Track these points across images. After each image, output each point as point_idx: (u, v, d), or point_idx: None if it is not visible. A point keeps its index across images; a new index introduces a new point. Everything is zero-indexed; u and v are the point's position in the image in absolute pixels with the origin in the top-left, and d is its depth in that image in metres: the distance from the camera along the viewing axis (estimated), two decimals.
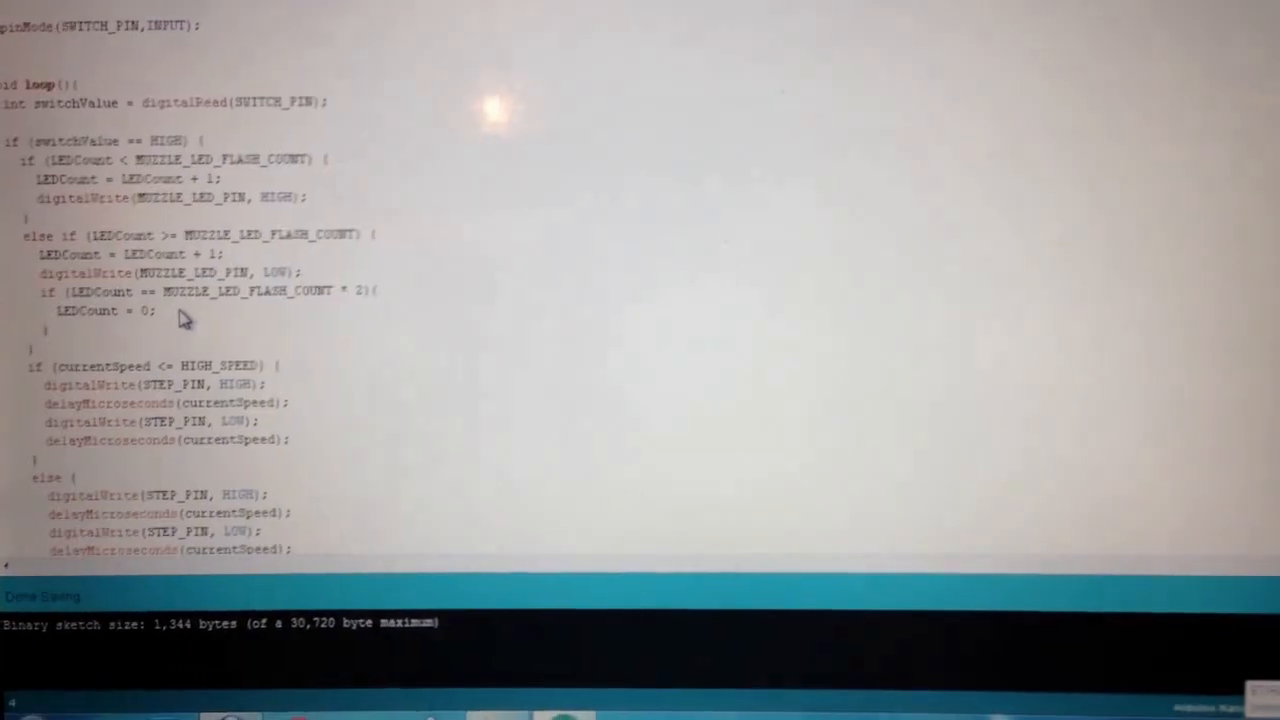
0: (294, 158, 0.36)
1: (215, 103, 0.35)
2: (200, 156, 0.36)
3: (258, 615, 0.37)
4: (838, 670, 0.37)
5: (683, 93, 0.35)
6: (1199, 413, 0.35)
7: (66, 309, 0.36)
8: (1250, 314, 0.35)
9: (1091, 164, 0.35)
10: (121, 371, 0.36)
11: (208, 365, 0.36)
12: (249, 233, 0.36)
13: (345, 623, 0.37)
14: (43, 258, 0.36)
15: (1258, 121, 0.34)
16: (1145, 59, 0.34)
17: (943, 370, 0.35)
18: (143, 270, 0.36)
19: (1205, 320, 0.35)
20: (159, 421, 0.37)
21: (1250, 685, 0.36)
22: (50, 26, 0.35)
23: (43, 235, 0.36)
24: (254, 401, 0.36)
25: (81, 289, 0.36)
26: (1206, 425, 0.35)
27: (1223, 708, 0.36)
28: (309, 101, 0.35)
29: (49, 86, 0.35)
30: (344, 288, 0.36)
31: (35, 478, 0.37)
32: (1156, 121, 0.34)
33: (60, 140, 0.36)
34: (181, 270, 0.36)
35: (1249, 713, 0.37)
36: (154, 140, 0.36)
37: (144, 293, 0.36)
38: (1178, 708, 0.37)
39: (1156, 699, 0.36)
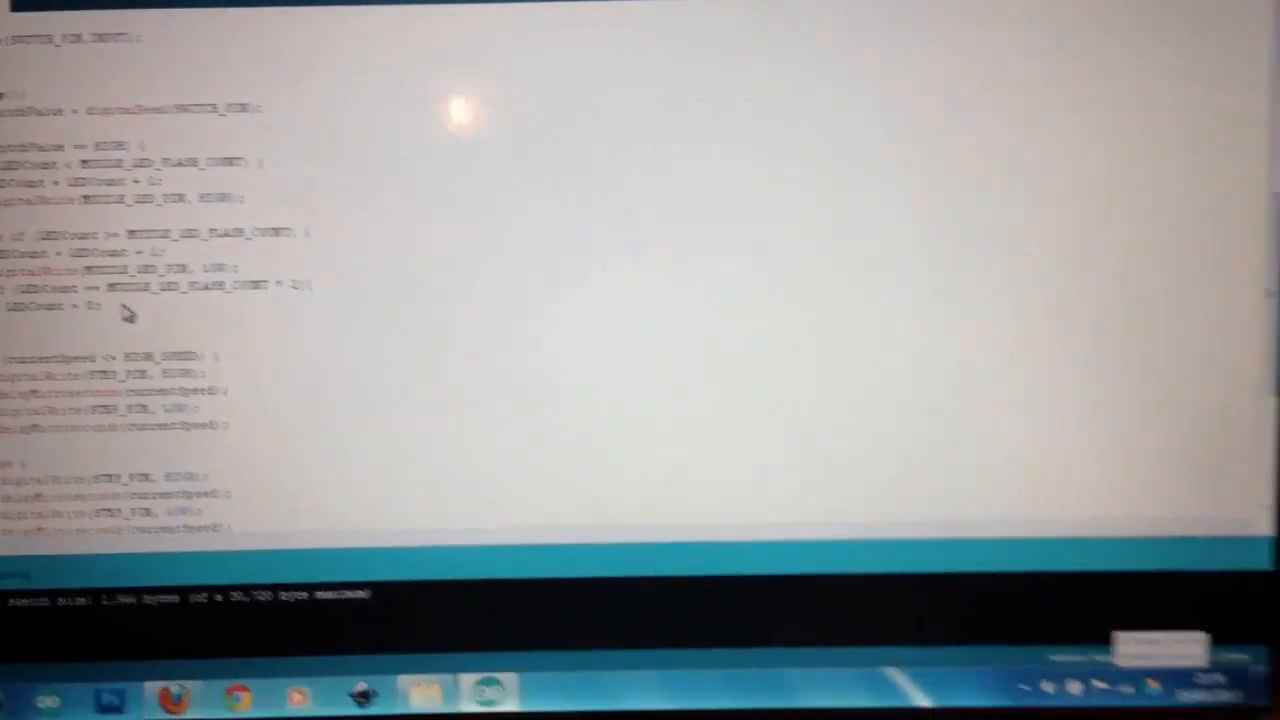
0: (230, 161, 0.38)
1: (156, 110, 0.38)
2: (142, 160, 0.38)
3: (199, 590, 0.40)
4: (742, 630, 0.40)
5: (610, 95, 0.38)
6: (1065, 389, 0.39)
7: (15, 305, 0.39)
8: (1112, 296, 0.39)
9: (984, 159, 0.38)
10: (67, 363, 0.39)
11: (149, 356, 0.39)
12: (188, 231, 0.38)
13: (281, 596, 0.40)
14: None
15: (1134, 114, 0.38)
16: (1038, 52, 0.38)
17: (836, 352, 0.38)
18: (87, 268, 0.38)
19: (1070, 306, 0.38)
20: (103, 410, 0.39)
21: (1117, 636, 0.40)
22: None
23: None
24: (194, 390, 0.39)
25: (30, 286, 0.38)
26: (1071, 402, 0.39)
27: (1094, 657, 0.40)
28: (244, 108, 0.38)
29: None
30: (279, 282, 0.39)
31: None
32: (1035, 116, 0.38)
33: (9, 147, 0.38)
34: (125, 267, 0.38)
35: (1117, 661, 0.40)
36: (98, 146, 0.38)
37: (89, 289, 0.39)
38: (1052, 657, 0.40)
39: (1033, 650, 0.40)
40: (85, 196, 0.38)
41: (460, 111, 0.38)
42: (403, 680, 0.40)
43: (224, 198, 0.38)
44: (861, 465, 0.39)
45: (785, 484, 0.39)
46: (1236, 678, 0.40)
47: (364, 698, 0.40)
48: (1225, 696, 0.40)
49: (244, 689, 0.40)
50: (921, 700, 0.40)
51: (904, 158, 0.38)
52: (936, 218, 0.38)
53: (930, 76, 0.37)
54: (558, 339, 0.38)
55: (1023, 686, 0.40)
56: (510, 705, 0.40)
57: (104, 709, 0.40)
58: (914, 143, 0.37)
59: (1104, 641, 0.40)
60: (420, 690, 0.40)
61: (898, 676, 0.40)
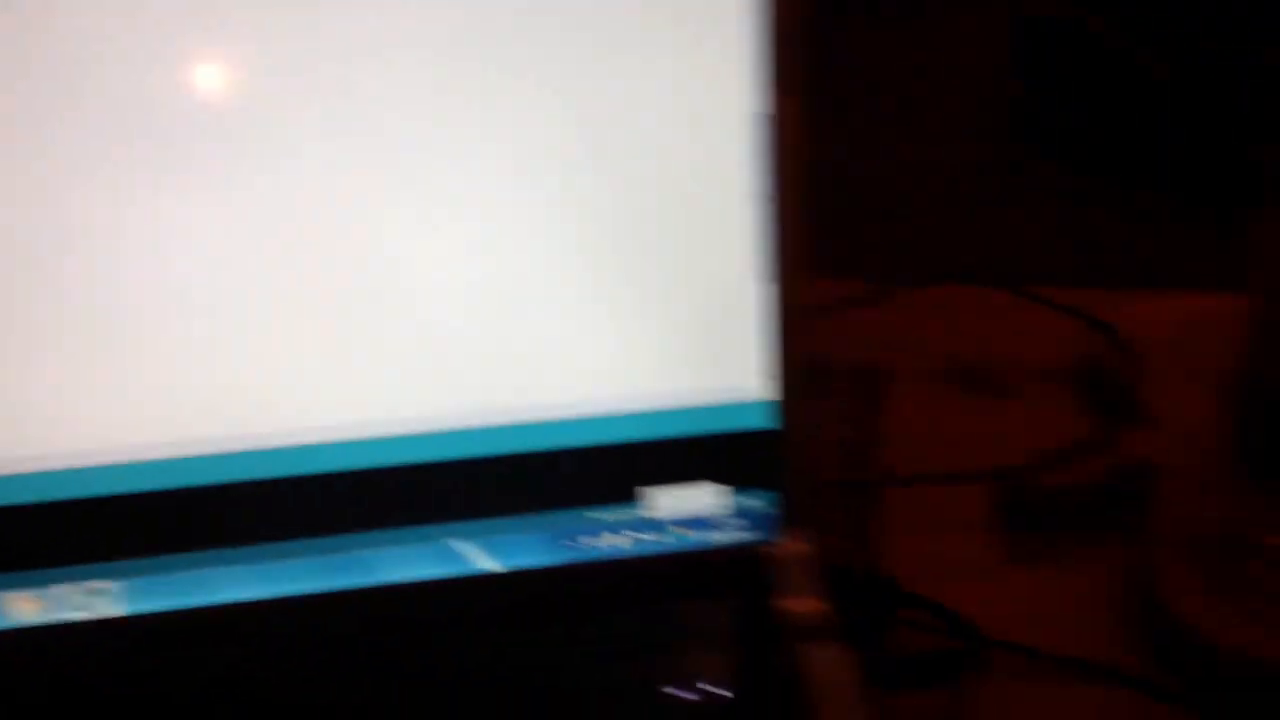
0: None
1: None
2: None
3: None
4: (325, 521, 0.45)
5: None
6: (587, 288, 0.45)
7: None
8: (626, 201, 0.46)
9: (492, 73, 0.44)
10: None
11: None
12: None
13: None
14: None
15: (632, 41, 0.44)
16: None
17: (365, 254, 0.44)
18: None
19: (592, 216, 0.45)
20: None
21: (651, 492, 0.47)
22: None
23: None
24: None
25: None
26: (592, 297, 0.46)
27: (631, 513, 0.47)
28: None
29: None
30: None
31: None
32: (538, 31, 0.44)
33: None
34: None
35: (652, 514, 0.47)
36: None
37: None
38: (595, 516, 0.47)
39: (573, 512, 0.47)
40: None
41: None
42: (6, 596, 0.44)
43: None
44: (414, 366, 0.45)
45: (346, 385, 0.45)
46: (752, 519, 0.48)
47: None
48: (743, 535, 0.48)
49: None
50: (489, 564, 0.46)
51: (409, 65, 0.44)
52: (432, 118, 0.43)
53: None
54: (115, 260, 0.42)
55: (571, 543, 0.47)
56: (117, 609, 0.45)
57: None
58: (419, 50, 0.43)
59: (639, 499, 0.47)
60: (24, 604, 0.44)
61: (466, 548, 0.46)
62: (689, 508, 0.48)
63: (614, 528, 0.47)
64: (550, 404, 0.46)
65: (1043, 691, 0.48)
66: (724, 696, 0.43)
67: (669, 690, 0.43)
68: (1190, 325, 0.52)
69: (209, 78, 0.42)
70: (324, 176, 0.43)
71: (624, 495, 0.47)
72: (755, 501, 0.48)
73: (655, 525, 0.47)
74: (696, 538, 0.48)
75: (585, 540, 0.47)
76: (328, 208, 0.43)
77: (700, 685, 0.43)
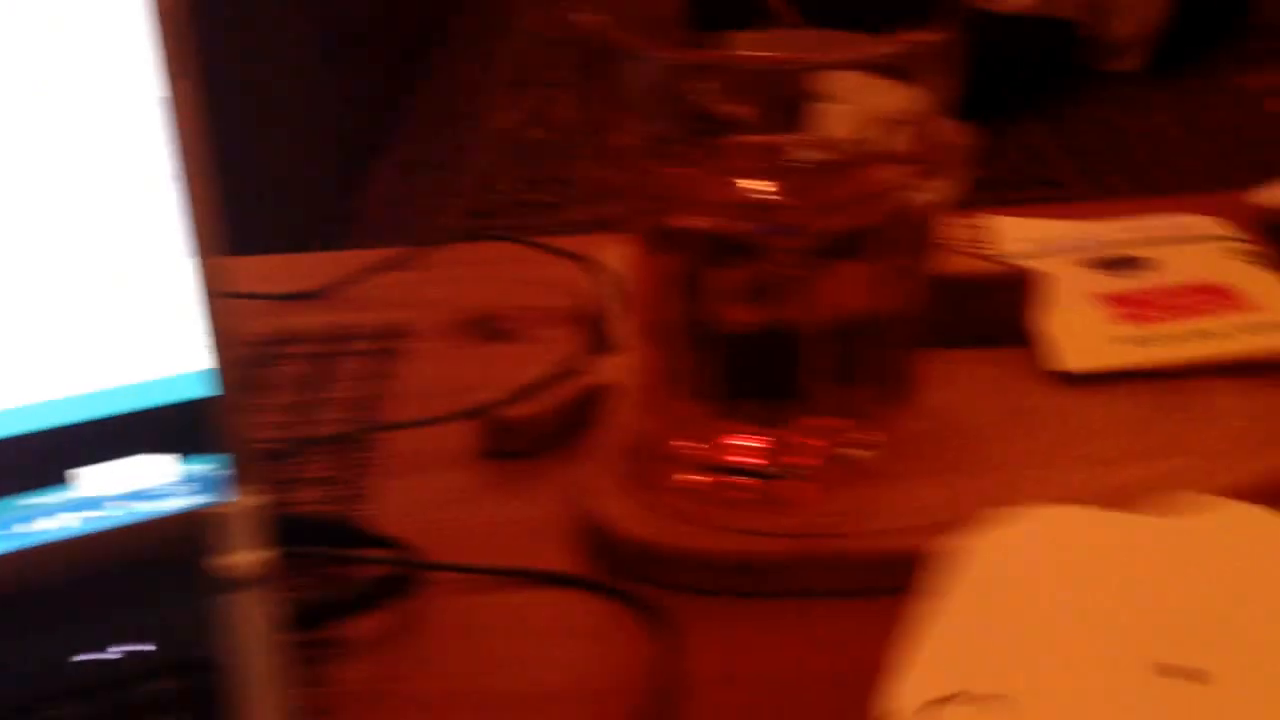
0: None
1: None
2: None
3: None
4: None
5: None
6: (14, 276, 0.47)
7: None
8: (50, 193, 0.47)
9: None
10: None
11: None
12: None
13: None
14: None
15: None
16: None
17: None
18: None
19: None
20: None
21: (69, 474, 0.49)
22: None
23: None
24: None
25: None
26: (23, 286, 0.47)
27: (55, 496, 0.49)
28: None
29: None
30: None
31: None
32: None
33: None
34: None
35: (102, 492, 0.49)
36: None
37: None
38: (22, 502, 0.48)
39: (6, 500, 0.48)
40: None
41: None
42: None
43: None
44: None
45: None
46: (207, 483, 0.51)
47: None
48: (191, 501, 0.51)
49: None
50: None
51: None
52: None
53: None
54: None
55: (8, 531, 0.48)
56: None
57: None
58: None
59: (78, 479, 0.49)
60: None
61: None
62: (133, 481, 0.50)
63: (53, 511, 0.49)
64: None
65: (483, 601, 0.53)
66: (149, 654, 0.45)
67: (93, 657, 0.45)
68: None
69: None
70: None
71: (60, 478, 0.49)
72: (202, 466, 0.51)
73: (98, 502, 0.49)
74: (142, 509, 0.50)
75: (23, 527, 0.48)
76: None
77: (129, 647, 0.46)
